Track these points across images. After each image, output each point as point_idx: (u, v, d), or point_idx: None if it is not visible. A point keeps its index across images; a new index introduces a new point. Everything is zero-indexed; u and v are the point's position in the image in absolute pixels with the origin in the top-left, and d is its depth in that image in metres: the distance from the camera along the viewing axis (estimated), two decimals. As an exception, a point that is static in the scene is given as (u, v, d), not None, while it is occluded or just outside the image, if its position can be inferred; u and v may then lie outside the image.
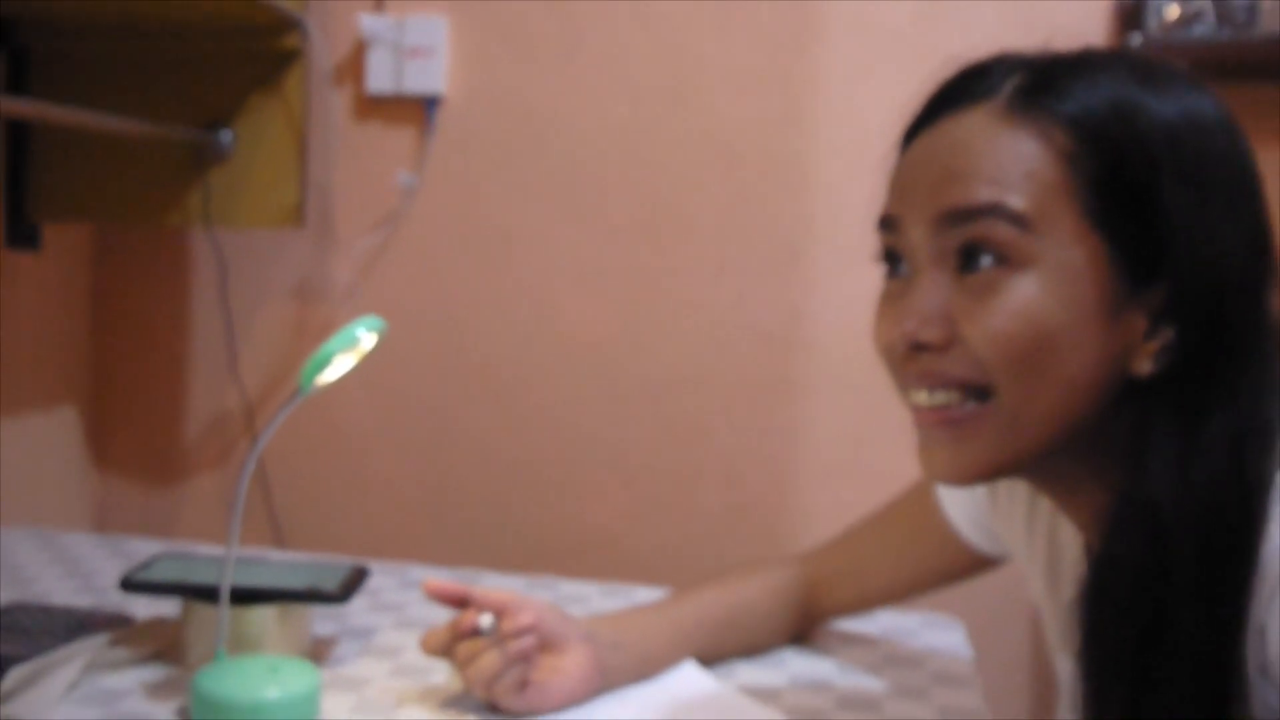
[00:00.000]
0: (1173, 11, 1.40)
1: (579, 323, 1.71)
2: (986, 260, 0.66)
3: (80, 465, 1.81)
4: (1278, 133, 1.52)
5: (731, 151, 1.65)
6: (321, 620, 1.05)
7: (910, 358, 0.69)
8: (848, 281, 1.63)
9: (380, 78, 1.72)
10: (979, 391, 0.67)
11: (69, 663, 0.90)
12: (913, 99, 0.75)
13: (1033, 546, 0.88)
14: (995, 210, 0.65)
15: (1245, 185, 0.67)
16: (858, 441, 1.63)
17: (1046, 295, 0.65)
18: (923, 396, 0.69)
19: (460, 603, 0.89)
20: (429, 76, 1.70)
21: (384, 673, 0.96)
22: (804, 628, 1.06)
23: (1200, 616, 0.62)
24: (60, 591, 1.12)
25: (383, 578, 1.19)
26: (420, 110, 1.73)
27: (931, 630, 1.11)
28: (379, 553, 1.57)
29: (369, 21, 1.70)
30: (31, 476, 1.68)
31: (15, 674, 0.86)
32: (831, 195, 1.63)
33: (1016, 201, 0.65)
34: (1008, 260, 0.65)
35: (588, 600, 1.16)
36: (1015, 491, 0.89)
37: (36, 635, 0.95)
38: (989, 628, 1.46)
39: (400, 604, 1.12)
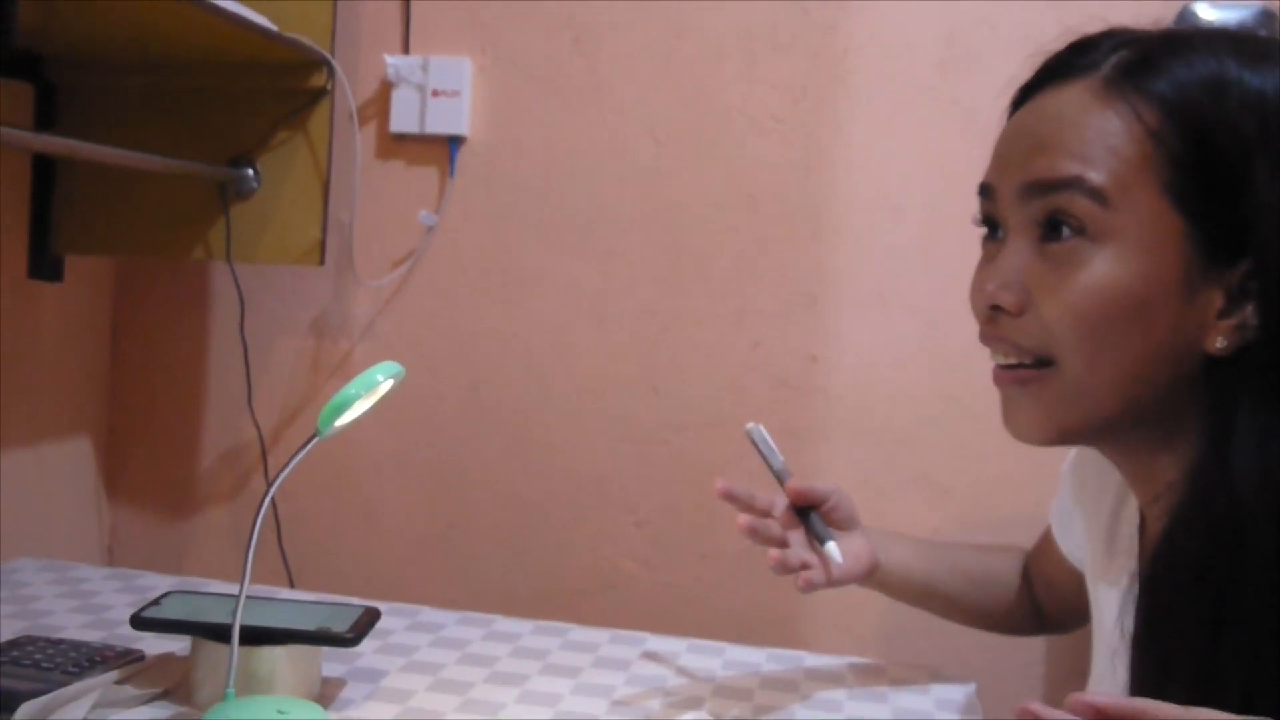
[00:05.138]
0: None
1: (596, 364, 1.71)
2: (1066, 231, 0.69)
3: (94, 496, 1.82)
4: None
5: (752, 197, 1.66)
6: (330, 661, 1.04)
7: (990, 318, 0.74)
8: (865, 329, 1.62)
9: (404, 117, 1.73)
10: (1043, 359, 0.71)
11: (79, 700, 0.90)
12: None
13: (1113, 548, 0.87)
14: (1076, 184, 0.69)
15: None
16: (873, 490, 1.62)
17: (1121, 270, 0.68)
18: (997, 356, 0.75)
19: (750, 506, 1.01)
20: (453, 117, 1.72)
21: (392, 716, 0.95)
22: (1013, 614, 1.12)
23: (1267, 591, 0.63)
24: (71, 624, 1.12)
25: (393, 619, 1.19)
26: (443, 150, 1.74)
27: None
28: (388, 592, 1.57)
29: (395, 62, 1.72)
30: (44, 506, 1.68)
31: (25, 709, 0.86)
32: (850, 243, 1.63)
33: (1097, 177, 0.68)
34: (1085, 233, 0.68)
35: (597, 647, 1.15)
36: (1104, 492, 0.90)
37: (46, 669, 0.95)
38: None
39: (410, 647, 1.12)
